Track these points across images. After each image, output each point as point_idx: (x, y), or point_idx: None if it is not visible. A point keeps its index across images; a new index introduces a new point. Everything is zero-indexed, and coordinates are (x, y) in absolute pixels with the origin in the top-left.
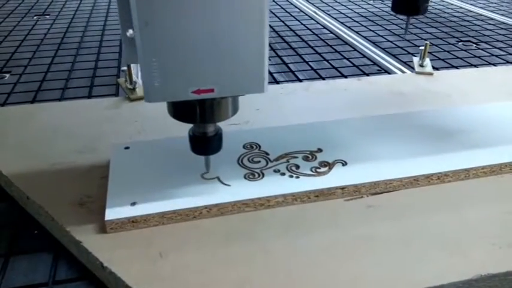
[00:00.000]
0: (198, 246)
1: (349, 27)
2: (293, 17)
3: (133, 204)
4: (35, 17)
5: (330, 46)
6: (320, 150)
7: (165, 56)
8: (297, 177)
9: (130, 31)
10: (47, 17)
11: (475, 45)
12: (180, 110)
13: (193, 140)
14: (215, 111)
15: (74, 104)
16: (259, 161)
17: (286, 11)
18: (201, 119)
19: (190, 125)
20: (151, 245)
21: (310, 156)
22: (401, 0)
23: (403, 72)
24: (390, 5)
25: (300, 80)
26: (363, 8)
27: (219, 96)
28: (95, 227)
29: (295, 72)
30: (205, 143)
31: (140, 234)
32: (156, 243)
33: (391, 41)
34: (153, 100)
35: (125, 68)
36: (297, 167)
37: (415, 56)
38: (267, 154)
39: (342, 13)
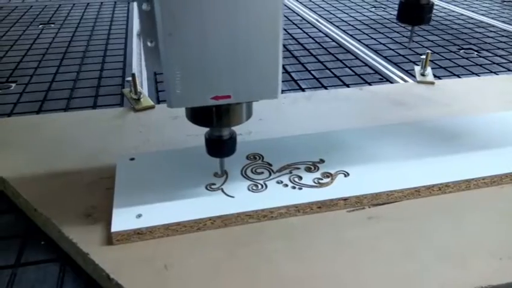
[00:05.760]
0: (202, 257)
1: (351, 35)
2: (295, 25)
3: (138, 216)
4: (40, 26)
5: (332, 55)
6: (322, 161)
7: (187, 64)
8: (300, 189)
9: (151, 42)
10: (52, 25)
11: (476, 53)
12: (198, 115)
13: (209, 143)
14: (231, 116)
15: (79, 114)
16: (262, 172)
17: (289, 19)
18: (218, 123)
19: (202, 131)
20: (156, 256)
21: (313, 167)
22: (405, 11)
23: (404, 81)
24: (392, 12)
25: (303, 89)
26: (365, 15)
27: (235, 102)
28: (101, 239)
29: (298, 81)
30: (220, 146)
31: (146, 246)
32: (161, 254)
33: (392, 49)
34: (174, 106)
35: (129, 78)
36: (300, 178)
37: (417, 65)
38: (270, 165)
39: (344, 21)
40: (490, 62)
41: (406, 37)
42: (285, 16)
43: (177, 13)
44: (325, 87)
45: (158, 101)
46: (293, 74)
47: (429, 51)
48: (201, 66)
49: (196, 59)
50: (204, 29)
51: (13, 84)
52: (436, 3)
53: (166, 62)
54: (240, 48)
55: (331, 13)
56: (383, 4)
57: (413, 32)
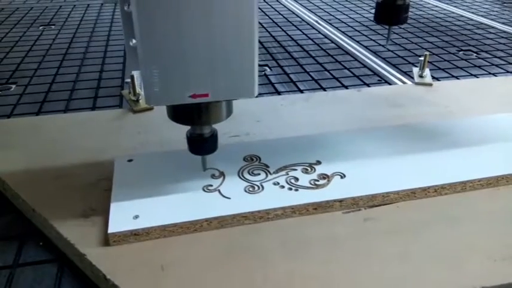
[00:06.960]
0: (198, 258)
1: (350, 37)
2: (295, 26)
3: (135, 217)
4: (41, 27)
5: (331, 56)
6: (319, 162)
7: (164, 63)
8: (296, 190)
9: (134, 41)
10: (52, 27)
11: (475, 54)
12: (178, 113)
13: (190, 141)
14: (210, 114)
15: (78, 116)
16: (259, 174)
17: (288, 20)
18: (197, 121)
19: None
20: (153, 257)
21: (309, 169)
22: (382, 11)
23: (403, 82)
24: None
25: (301, 91)
26: (364, 17)
27: (213, 100)
28: (99, 240)
29: (297, 83)
30: (201, 144)
31: (142, 247)
32: (158, 255)
33: (391, 51)
34: (153, 104)
35: (128, 80)
36: (296, 179)
37: (415, 66)
38: (267, 167)
39: (343, 22)
40: (489, 64)
41: (405, 38)
42: (284, 17)
43: (153, 13)
44: (324, 89)
45: None
46: (292, 76)
47: (427, 52)
48: (178, 65)
49: (173, 58)
50: (180, 29)
51: (13, 86)
52: (436, 4)
53: (144, 60)
54: (216, 48)
55: (331, 14)
56: None
57: (390, 31)
